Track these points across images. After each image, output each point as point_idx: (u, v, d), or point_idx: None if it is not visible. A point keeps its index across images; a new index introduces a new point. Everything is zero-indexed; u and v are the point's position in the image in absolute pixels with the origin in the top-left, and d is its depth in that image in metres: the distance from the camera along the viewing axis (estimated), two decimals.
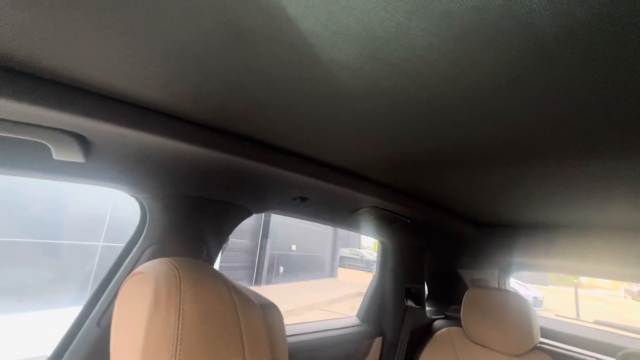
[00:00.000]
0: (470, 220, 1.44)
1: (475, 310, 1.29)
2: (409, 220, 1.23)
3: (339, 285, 10.74)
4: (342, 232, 14.08)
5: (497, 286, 1.78)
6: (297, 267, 10.13)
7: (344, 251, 18.07)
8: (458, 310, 1.38)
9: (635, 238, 1.14)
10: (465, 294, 1.36)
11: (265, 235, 8.55)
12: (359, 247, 19.59)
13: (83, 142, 0.58)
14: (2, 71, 0.46)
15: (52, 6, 0.35)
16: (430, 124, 0.56)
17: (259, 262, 8.45)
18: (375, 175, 0.92)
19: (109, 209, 5.05)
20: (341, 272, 13.79)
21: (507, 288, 1.84)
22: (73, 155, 0.59)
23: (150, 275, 0.46)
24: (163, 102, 0.56)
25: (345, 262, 17.75)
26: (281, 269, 9.20)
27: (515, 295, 1.25)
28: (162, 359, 0.38)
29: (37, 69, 0.47)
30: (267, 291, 7.66)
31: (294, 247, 9.96)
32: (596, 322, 1.80)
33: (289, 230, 9.74)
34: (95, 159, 0.63)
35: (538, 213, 1.15)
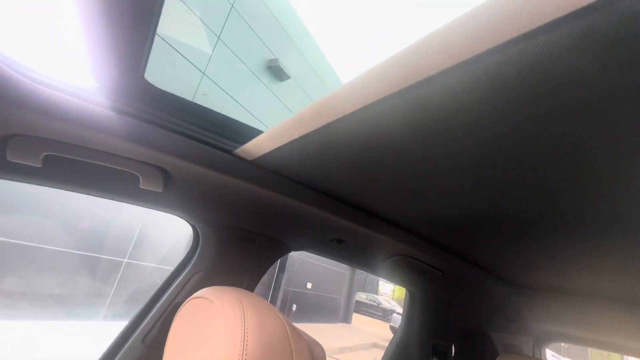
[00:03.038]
0: (504, 279, 1.39)
1: None
2: (440, 273, 1.22)
3: (353, 332, 10.12)
4: (360, 276, 13.55)
5: (531, 354, 1.65)
6: (311, 307, 9.74)
7: (361, 296, 17.22)
8: None
9: None
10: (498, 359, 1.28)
11: (282, 269, 8.43)
12: (377, 293, 18.64)
13: (165, 175, 0.68)
14: (116, 115, 0.57)
15: None
16: (473, 187, 0.60)
17: (272, 297, 8.25)
18: (411, 225, 0.95)
19: (137, 230, 5.28)
20: (355, 317, 13.06)
21: (543, 359, 1.69)
22: (155, 185, 0.69)
23: (214, 302, 0.51)
24: (236, 148, 0.66)
25: (360, 307, 16.83)
26: (294, 307, 8.89)
27: None
28: None
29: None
30: None
31: (309, 285, 9.67)
32: None
33: (306, 266, 9.55)
34: (170, 190, 0.73)
35: (581, 281, 1.10)
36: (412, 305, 1.50)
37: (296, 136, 0.52)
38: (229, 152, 0.68)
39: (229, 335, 0.44)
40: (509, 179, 0.54)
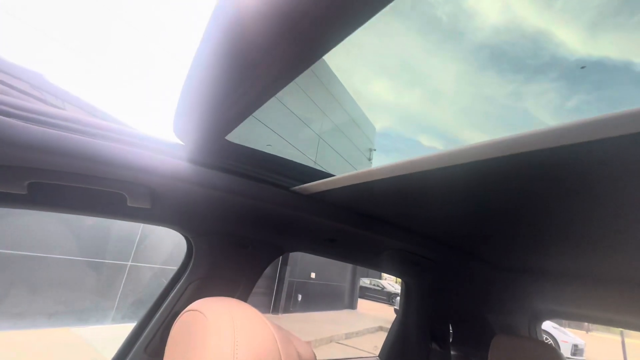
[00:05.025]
0: (496, 264, 1.42)
1: (504, 359, 1.25)
2: (433, 263, 1.25)
3: (359, 317, 10.33)
4: None
5: (527, 332, 1.70)
6: (316, 296, 9.90)
7: (364, 281, 17.49)
8: (485, 357, 1.33)
9: None
10: (493, 340, 1.32)
11: (285, 261, 8.52)
12: (380, 278, 18.93)
13: (151, 192, 0.70)
14: (98, 142, 0.58)
15: None
16: (467, 190, 0.61)
17: (277, 289, 8.37)
18: (403, 221, 0.97)
19: (138, 232, 5.30)
20: (361, 303, 13.29)
21: (538, 335, 1.75)
22: (142, 202, 0.70)
23: (206, 315, 0.53)
24: (218, 163, 0.68)
25: (365, 292, 17.11)
26: (299, 297, 9.03)
27: (546, 346, 1.21)
28: None
29: None
30: (285, 321, 7.51)
31: (313, 275, 9.80)
32: None
33: (308, 257, 9.65)
34: (158, 205, 0.74)
35: (570, 262, 1.13)
36: (408, 294, 1.54)
37: (346, 184, 0.68)
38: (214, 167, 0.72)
39: (219, 349, 0.46)
40: (505, 185, 0.56)
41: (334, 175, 0.83)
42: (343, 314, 10.40)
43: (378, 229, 0.97)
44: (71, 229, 4.38)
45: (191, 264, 0.88)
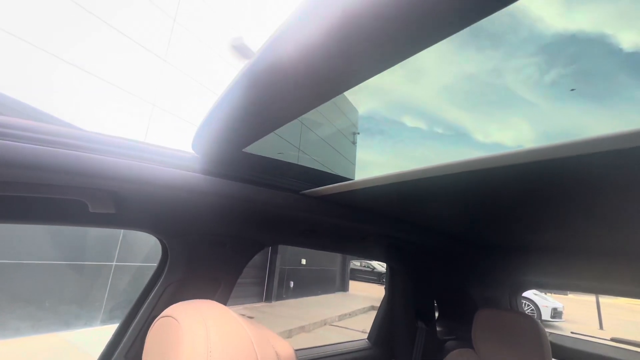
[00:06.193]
0: (479, 242, 1.46)
1: (486, 331, 1.30)
2: (414, 246, 1.27)
3: (351, 299, 10.59)
4: None
5: (507, 304, 1.78)
6: (308, 282, 10.05)
7: (355, 263, 17.86)
8: (469, 331, 1.38)
9: None
10: (476, 314, 1.37)
11: (275, 250, 8.55)
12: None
13: (115, 196, 0.66)
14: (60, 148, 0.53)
15: None
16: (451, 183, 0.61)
17: (268, 277, 8.43)
18: (385, 211, 0.96)
19: (121, 232, 5.16)
20: (352, 284, 13.61)
21: (518, 306, 1.83)
22: (106, 207, 0.66)
23: (179, 321, 0.51)
24: (186, 165, 0.64)
25: (356, 274, 17.51)
26: (291, 283, 9.14)
27: (526, 317, 1.26)
28: None
29: None
30: (278, 308, 7.61)
31: (303, 261, 9.91)
32: (613, 340, 1.77)
33: None
34: (124, 209, 0.70)
35: (552, 236, 1.16)
36: (393, 277, 1.57)
37: (352, 189, 0.75)
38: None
39: (193, 355, 0.45)
40: (486, 180, 0.57)
41: (322, 172, 0.86)
42: (335, 297, 10.64)
43: (361, 218, 0.97)
44: (49, 232, 4.22)
45: (167, 266, 0.85)
